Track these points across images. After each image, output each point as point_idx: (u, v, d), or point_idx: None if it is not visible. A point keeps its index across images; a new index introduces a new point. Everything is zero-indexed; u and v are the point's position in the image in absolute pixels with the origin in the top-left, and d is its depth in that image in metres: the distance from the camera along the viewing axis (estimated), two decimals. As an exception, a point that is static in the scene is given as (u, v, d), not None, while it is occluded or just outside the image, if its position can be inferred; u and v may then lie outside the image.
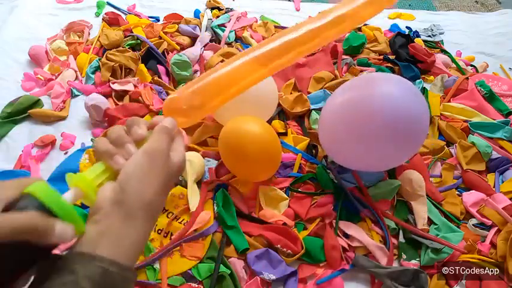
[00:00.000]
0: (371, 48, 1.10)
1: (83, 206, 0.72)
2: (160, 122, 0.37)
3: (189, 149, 0.81)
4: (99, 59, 0.97)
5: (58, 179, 0.76)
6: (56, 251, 0.31)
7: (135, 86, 0.93)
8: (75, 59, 1.00)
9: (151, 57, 0.99)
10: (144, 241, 0.32)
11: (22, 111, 0.87)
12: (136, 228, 0.31)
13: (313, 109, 0.90)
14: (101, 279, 0.27)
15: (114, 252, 0.29)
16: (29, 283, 0.28)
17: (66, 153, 0.82)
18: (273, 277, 0.64)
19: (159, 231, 0.70)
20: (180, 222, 0.70)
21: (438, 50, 1.13)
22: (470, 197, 0.77)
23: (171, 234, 0.69)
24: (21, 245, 0.26)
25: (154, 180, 0.33)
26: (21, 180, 0.29)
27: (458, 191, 0.79)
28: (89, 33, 1.09)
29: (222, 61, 0.97)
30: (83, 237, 0.30)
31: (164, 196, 0.35)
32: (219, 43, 1.07)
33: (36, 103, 0.89)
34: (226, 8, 1.20)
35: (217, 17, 1.14)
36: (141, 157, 0.33)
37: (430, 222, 0.74)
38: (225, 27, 1.12)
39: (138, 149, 0.34)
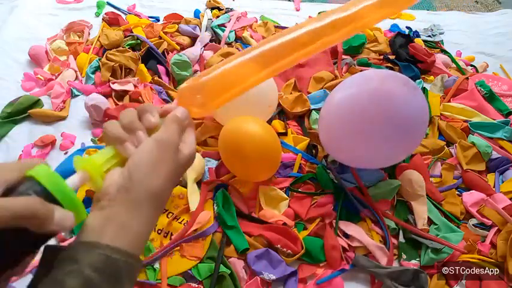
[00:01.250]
0: (371, 48, 1.10)
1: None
2: (172, 111, 0.36)
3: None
4: (99, 59, 0.97)
5: (58, 179, 0.76)
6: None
7: (135, 86, 0.93)
8: (75, 59, 1.00)
9: (151, 57, 0.99)
10: (149, 231, 0.32)
11: (22, 111, 0.87)
12: (141, 217, 0.31)
13: (313, 109, 0.90)
14: (105, 266, 0.27)
15: (119, 240, 0.29)
16: (33, 272, 0.27)
17: (66, 153, 0.82)
18: (273, 277, 0.65)
19: (159, 231, 0.70)
20: (180, 222, 0.70)
21: (438, 50, 1.13)
22: (470, 197, 0.77)
23: (171, 234, 0.69)
24: (20, 230, 0.25)
25: (163, 170, 0.32)
26: (23, 162, 0.28)
27: (458, 191, 0.79)
28: (89, 33, 1.09)
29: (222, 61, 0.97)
30: (87, 225, 0.30)
31: (171, 187, 0.34)
32: (219, 43, 1.07)
33: (36, 103, 0.89)
34: (226, 8, 1.20)
35: (217, 17, 1.14)
36: (151, 146, 0.32)
37: (430, 222, 0.74)
38: (225, 27, 1.12)
39: (148, 137, 0.33)
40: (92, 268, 0.26)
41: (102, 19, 1.12)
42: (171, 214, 0.71)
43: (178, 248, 0.68)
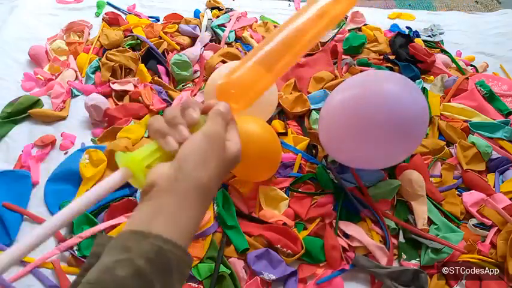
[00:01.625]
0: (371, 48, 1.10)
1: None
2: (215, 106, 0.36)
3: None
4: (99, 59, 0.97)
5: (58, 179, 0.76)
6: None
7: (135, 86, 0.93)
8: (75, 59, 1.00)
9: (151, 57, 0.99)
10: (197, 223, 0.31)
11: (22, 111, 0.87)
12: (190, 208, 0.30)
13: (313, 109, 0.90)
14: (156, 258, 0.26)
15: (169, 230, 0.28)
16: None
17: (66, 153, 0.82)
18: (273, 277, 0.64)
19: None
20: None
21: (438, 50, 1.13)
22: (470, 197, 0.77)
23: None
24: None
25: (211, 163, 0.32)
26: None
27: (458, 191, 0.79)
28: (89, 33, 1.09)
29: (222, 61, 0.97)
30: (136, 215, 0.30)
31: (218, 182, 0.34)
32: (219, 43, 1.07)
33: (36, 103, 0.89)
34: (226, 8, 1.20)
35: (217, 17, 1.14)
36: (200, 138, 0.32)
37: (430, 222, 0.74)
38: (225, 27, 1.12)
39: (190, 132, 0.33)
40: (144, 258, 0.26)
41: (102, 19, 1.12)
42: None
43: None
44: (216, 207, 0.72)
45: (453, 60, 1.08)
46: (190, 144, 0.32)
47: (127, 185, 0.75)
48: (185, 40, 1.06)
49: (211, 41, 1.07)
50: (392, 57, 1.06)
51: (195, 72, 1.00)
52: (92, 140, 0.85)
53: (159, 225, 0.28)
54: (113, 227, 0.68)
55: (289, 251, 0.67)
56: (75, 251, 0.66)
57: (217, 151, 0.33)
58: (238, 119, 0.71)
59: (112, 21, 1.11)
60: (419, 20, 1.27)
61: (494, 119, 0.91)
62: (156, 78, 0.96)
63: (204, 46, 1.05)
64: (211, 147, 0.33)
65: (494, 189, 0.79)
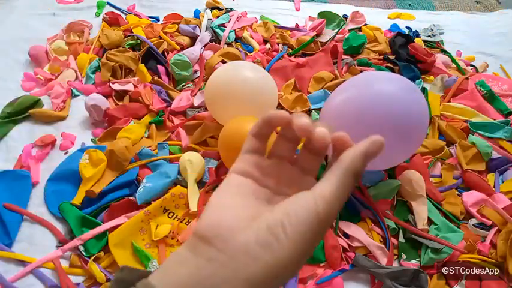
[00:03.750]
0: (371, 48, 1.10)
1: (80, 207, 0.72)
2: (365, 142, 0.25)
3: (189, 149, 0.82)
4: (99, 59, 0.97)
5: (58, 179, 0.76)
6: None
7: (135, 86, 0.93)
8: (75, 59, 1.00)
9: (151, 57, 0.99)
10: None
11: (22, 111, 0.87)
12: None
13: (313, 109, 0.90)
14: None
15: None
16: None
17: (66, 153, 0.82)
18: (273, 277, 0.64)
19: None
20: (186, 223, 0.70)
21: (438, 50, 1.13)
22: (470, 197, 0.77)
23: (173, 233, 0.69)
24: None
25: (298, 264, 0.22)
26: None
27: (458, 191, 0.79)
28: (89, 33, 1.09)
29: (222, 61, 0.97)
30: (185, 272, 0.21)
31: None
32: (219, 43, 1.07)
33: (36, 103, 0.89)
34: (226, 8, 1.20)
35: (217, 17, 1.14)
36: (314, 211, 0.22)
37: (430, 222, 0.74)
38: (225, 27, 1.12)
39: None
40: None
41: (102, 19, 1.12)
42: (171, 214, 0.71)
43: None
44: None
45: (453, 60, 1.08)
46: (300, 211, 0.22)
47: (127, 185, 0.75)
48: (185, 40, 1.06)
49: (211, 41, 1.07)
50: (392, 57, 1.06)
51: (195, 72, 1.00)
52: (92, 140, 0.85)
53: None
54: (114, 227, 0.68)
55: (289, 251, 0.67)
56: (83, 252, 0.65)
57: (316, 240, 0.23)
58: (238, 119, 0.71)
59: (112, 21, 1.11)
60: (419, 20, 1.27)
61: (494, 119, 0.91)
62: (156, 78, 0.96)
63: (204, 46, 1.05)
64: (320, 229, 0.22)
65: (494, 189, 0.79)
